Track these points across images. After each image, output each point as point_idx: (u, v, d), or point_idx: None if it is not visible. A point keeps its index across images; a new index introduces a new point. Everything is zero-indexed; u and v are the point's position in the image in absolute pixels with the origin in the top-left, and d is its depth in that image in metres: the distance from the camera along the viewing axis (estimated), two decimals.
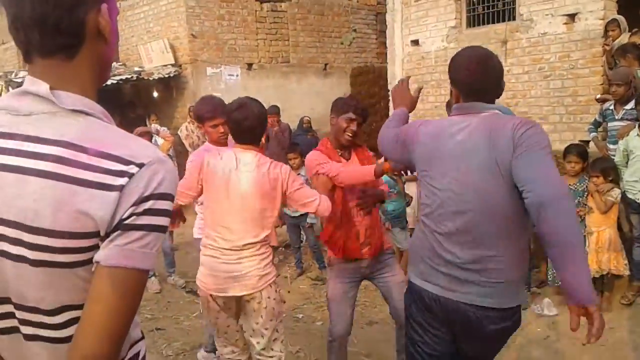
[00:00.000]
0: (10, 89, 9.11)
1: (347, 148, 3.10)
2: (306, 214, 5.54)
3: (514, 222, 1.93)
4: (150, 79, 9.91)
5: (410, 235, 4.96)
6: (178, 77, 10.08)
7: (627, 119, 4.62)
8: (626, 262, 4.35)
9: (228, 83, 10.36)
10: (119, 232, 0.94)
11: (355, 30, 11.98)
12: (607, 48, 5.75)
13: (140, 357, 1.17)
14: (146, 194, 0.95)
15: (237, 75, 10.51)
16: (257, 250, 2.67)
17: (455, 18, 7.38)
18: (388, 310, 3.27)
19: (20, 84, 0.90)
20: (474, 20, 7.34)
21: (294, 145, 6.47)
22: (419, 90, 2.71)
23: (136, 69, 10.45)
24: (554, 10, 6.32)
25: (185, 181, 2.78)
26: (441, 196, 2.03)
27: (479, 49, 2.17)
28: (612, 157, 4.68)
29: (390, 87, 8.38)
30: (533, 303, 4.60)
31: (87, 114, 1.00)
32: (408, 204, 5.28)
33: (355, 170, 2.93)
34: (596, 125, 5.22)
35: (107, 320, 0.93)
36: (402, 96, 2.59)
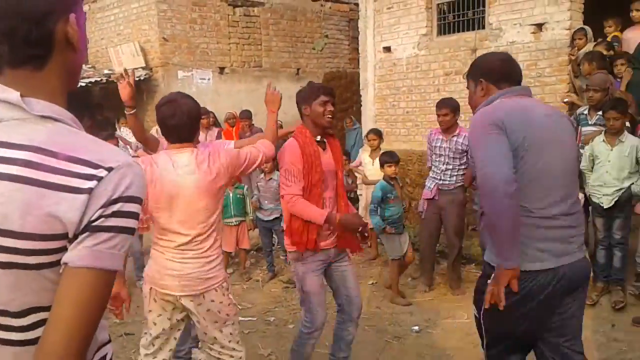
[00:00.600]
0: None
1: (324, 135, 3.13)
2: (279, 218, 5.54)
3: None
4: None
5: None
6: (149, 80, 9.97)
7: (600, 125, 4.66)
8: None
9: (199, 87, 10.30)
10: (87, 233, 0.95)
11: (327, 36, 12.06)
12: (573, 57, 5.92)
13: None
14: (114, 196, 0.96)
15: (208, 79, 10.46)
16: (205, 252, 2.57)
17: (427, 26, 7.50)
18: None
19: None
20: (444, 29, 7.46)
21: None
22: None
23: (106, 71, 10.31)
24: (522, 20, 6.48)
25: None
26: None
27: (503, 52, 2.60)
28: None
29: (362, 92, 8.46)
30: None
31: (56, 120, 1.02)
32: (405, 209, 5.26)
33: (309, 209, 2.93)
34: None
35: (74, 321, 0.93)
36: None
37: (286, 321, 4.72)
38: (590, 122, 4.85)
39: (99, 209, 0.95)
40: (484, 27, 6.92)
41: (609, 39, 5.76)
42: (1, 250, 0.95)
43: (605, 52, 5.29)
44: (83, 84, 9.44)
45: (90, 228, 0.95)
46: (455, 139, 4.99)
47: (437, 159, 5.13)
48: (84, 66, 9.54)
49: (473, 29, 7.04)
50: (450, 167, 5.03)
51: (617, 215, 4.42)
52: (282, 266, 6.14)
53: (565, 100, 5.81)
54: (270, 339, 4.31)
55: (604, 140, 4.49)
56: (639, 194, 4.33)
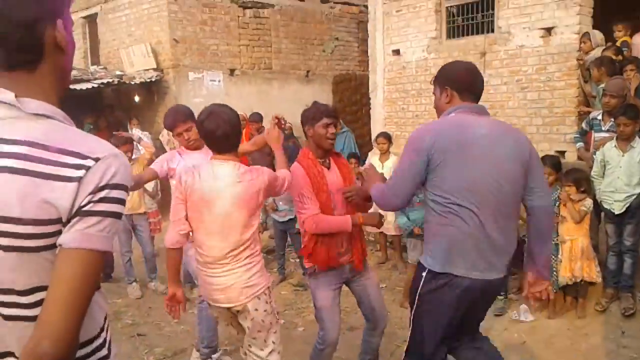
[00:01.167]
0: None
1: (327, 155, 3.18)
2: (293, 220, 5.57)
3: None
4: (132, 83, 9.86)
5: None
6: (160, 81, 10.05)
7: (613, 131, 4.63)
8: (598, 269, 4.48)
9: (210, 88, 10.36)
10: (78, 218, 1.06)
11: (337, 39, 12.09)
12: (581, 62, 5.91)
13: (108, 341, 1.29)
14: (102, 184, 1.08)
15: (219, 81, 10.52)
16: (242, 261, 2.61)
17: (436, 29, 7.51)
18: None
19: None
20: (453, 32, 7.48)
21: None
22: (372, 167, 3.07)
23: (117, 72, 10.38)
24: (532, 23, 6.48)
25: (174, 210, 2.69)
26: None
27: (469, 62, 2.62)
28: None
29: (371, 95, 8.49)
30: (510, 309, 4.71)
31: (49, 117, 1.13)
32: None
33: (334, 221, 3.00)
34: (582, 134, 5.24)
35: (68, 296, 1.04)
36: (373, 178, 2.83)
37: (296, 324, 4.77)
38: (603, 128, 4.83)
39: (88, 195, 1.06)
40: (493, 31, 6.93)
41: (618, 43, 5.75)
42: (3, 235, 1.06)
43: (614, 57, 5.27)
44: (95, 85, 9.54)
45: (80, 213, 1.06)
46: None
47: None
48: (95, 67, 9.63)
49: (482, 33, 7.05)
50: None
51: (628, 222, 4.42)
52: (292, 269, 6.18)
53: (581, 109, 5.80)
54: None
55: (615, 146, 4.48)
56: None
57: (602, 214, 4.70)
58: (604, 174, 4.58)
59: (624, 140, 4.42)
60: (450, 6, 7.46)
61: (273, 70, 11.30)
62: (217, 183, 2.56)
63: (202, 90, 10.23)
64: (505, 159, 2.33)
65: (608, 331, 4.26)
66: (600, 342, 4.04)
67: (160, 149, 7.84)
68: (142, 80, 9.84)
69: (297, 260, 6.11)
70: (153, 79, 9.89)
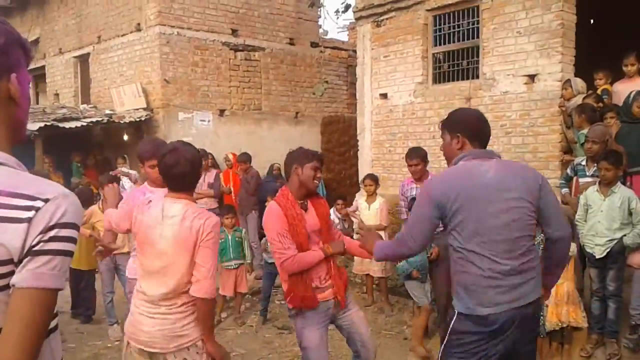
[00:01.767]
0: None
1: (307, 197, 3.19)
2: None
3: None
4: (122, 122, 9.91)
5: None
6: (149, 121, 10.11)
7: (597, 176, 4.66)
8: (584, 314, 4.47)
9: (199, 128, 10.44)
10: (29, 257, 1.09)
11: (326, 82, 12.31)
12: (563, 108, 6.05)
13: None
14: (51, 223, 1.11)
15: (208, 121, 10.60)
16: (176, 308, 2.49)
17: (422, 74, 7.69)
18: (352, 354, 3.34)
19: None
20: (439, 77, 7.66)
21: (229, 207, 6.50)
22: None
23: (107, 111, 10.45)
24: (515, 70, 6.66)
25: (115, 218, 2.77)
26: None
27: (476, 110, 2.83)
28: None
29: (359, 137, 8.59)
30: None
31: (1, 164, 1.17)
32: (431, 257, 4.99)
33: (307, 257, 3.02)
34: (567, 179, 5.29)
35: (21, 334, 1.06)
36: (370, 238, 2.88)
37: None
38: (588, 173, 4.90)
39: (38, 235, 1.09)
40: (478, 77, 7.11)
41: (599, 91, 5.90)
42: None
43: (594, 105, 5.41)
44: (84, 124, 9.57)
45: (31, 252, 1.09)
46: None
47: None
48: (85, 106, 9.69)
49: (467, 78, 7.22)
50: None
51: (610, 267, 4.44)
52: (277, 311, 6.10)
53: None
54: None
55: (597, 190, 4.55)
56: (631, 245, 4.36)
57: (586, 258, 4.72)
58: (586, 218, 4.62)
59: (606, 185, 4.49)
60: (437, 52, 7.66)
61: (263, 111, 11.43)
62: (163, 221, 2.50)
63: (191, 129, 10.29)
64: (511, 198, 2.41)
65: None
66: None
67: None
68: (132, 119, 9.89)
69: (283, 302, 6.03)
70: (143, 118, 9.95)
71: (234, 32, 10.92)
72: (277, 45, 11.64)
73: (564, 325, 4.43)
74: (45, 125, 8.86)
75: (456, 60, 7.40)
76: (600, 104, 5.52)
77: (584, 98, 5.68)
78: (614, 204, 4.43)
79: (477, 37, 7.09)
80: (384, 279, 6.14)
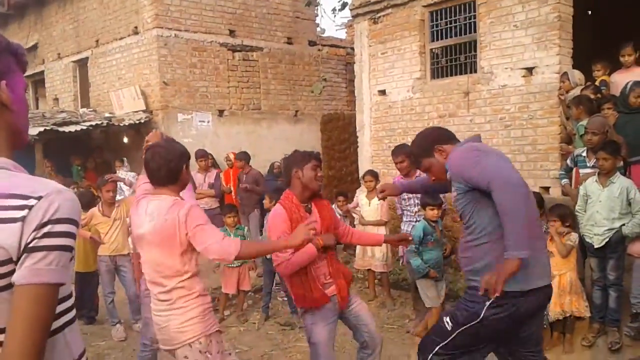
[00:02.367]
0: None
1: (311, 199, 3.20)
2: None
3: None
4: (121, 124, 9.93)
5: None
6: (149, 123, 10.12)
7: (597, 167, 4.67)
8: (587, 304, 4.48)
9: (199, 129, 10.46)
10: (25, 255, 1.12)
11: (325, 79, 12.32)
12: (562, 98, 6.05)
13: None
14: (44, 220, 1.13)
15: (208, 122, 10.62)
16: (175, 304, 2.51)
17: (420, 70, 7.70)
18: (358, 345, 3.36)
19: None
20: (437, 72, 7.67)
21: (231, 206, 6.49)
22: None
23: (107, 115, 10.48)
24: (513, 64, 6.67)
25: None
26: None
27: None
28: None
29: (359, 134, 8.60)
30: None
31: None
32: (446, 254, 5.03)
33: (301, 256, 3.00)
34: (567, 170, 5.30)
35: (25, 330, 1.09)
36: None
37: None
38: (588, 164, 4.90)
39: (32, 232, 1.12)
40: (476, 71, 7.11)
41: (597, 82, 5.90)
42: None
43: (592, 96, 5.41)
44: (84, 127, 9.59)
45: (27, 250, 1.11)
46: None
47: (407, 203, 5.34)
48: (84, 110, 9.72)
49: (466, 73, 7.23)
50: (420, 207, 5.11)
51: (610, 256, 4.44)
52: (279, 308, 6.11)
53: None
54: None
55: (596, 181, 4.56)
56: (630, 235, 4.37)
57: (586, 248, 4.73)
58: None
59: (605, 175, 4.49)
60: (434, 48, 7.67)
61: (262, 111, 11.45)
62: (145, 219, 2.53)
63: (191, 130, 10.32)
64: None
65: None
66: None
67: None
68: (131, 121, 9.92)
69: (285, 299, 6.05)
70: (142, 121, 9.97)
71: (232, 32, 10.94)
72: (274, 44, 11.66)
73: (567, 315, 4.44)
74: (45, 129, 8.90)
75: (454, 55, 7.40)
76: (599, 95, 5.52)
77: (582, 90, 5.68)
78: (612, 194, 4.43)
79: (474, 31, 7.09)
80: (386, 274, 6.15)
